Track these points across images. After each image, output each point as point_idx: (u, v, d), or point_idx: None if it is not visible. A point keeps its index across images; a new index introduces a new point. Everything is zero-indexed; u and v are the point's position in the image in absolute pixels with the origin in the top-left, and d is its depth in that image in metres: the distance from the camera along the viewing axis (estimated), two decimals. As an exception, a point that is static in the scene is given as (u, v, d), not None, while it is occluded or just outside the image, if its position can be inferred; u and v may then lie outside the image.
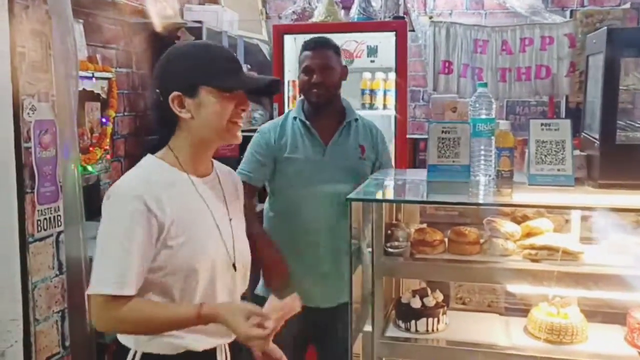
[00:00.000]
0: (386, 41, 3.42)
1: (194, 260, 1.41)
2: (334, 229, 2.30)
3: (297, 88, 3.53)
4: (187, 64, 1.44)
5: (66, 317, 2.25)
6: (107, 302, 1.35)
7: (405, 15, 3.61)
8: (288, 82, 3.35)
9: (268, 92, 1.53)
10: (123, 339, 1.46)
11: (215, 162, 1.60)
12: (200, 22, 3.31)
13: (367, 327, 1.97)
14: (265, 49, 4.05)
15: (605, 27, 1.88)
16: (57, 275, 2.22)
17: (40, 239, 2.13)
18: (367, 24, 3.39)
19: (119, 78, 3.04)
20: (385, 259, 1.96)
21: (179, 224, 1.40)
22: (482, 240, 1.99)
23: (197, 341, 1.43)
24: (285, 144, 2.37)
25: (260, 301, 1.43)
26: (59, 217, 2.21)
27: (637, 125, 2.00)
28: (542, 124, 1.95)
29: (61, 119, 2.23)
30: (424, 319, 1.99)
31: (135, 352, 1.44)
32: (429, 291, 2.07)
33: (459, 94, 3.74)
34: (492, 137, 2.01)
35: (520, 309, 2.17)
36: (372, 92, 3.40)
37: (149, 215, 1.36)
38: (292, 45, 3.36)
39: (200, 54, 1.46)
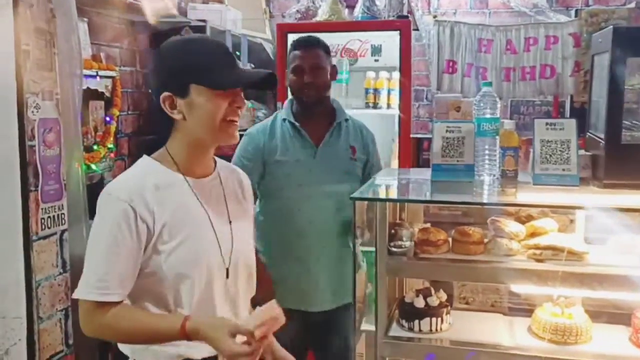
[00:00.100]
0: (390, 40, 3.42)
1: (187, 266, 1.36)
2: (327, 231, 2.28)
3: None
4: (176, 62, 1.37)
5: (70, 315, 2.25)
6: (92, 308, 1.32)
7: (409, 14, 3.60)
8: (292, 81, 3.34)
9: (264, 87, 1.45)
10: (121, 345, 1.43)
11: (220, 161, 1.55)
12: (204, 20, 3.31)
13: (371, 327, 1.97)
14: (269, 48, 4.05)
15: (611, 26, 1.88)
16: (60, 274, 2.22)
17: (44, 237, 2.13)
18: (371, 23, 3.39)
19: (123, 77, 3.04)
20: (389, 259, 1.95)
21: (172, 227, 1.35)
22: (486, 240, 1.98)
23: (193, 348, 1.36)
24: (275, 147, 2.32)
25: None
26: (63, 216, 2.21)
27: (642, 125, 1.99)
28: (547, 124, 1.95)
29: (65, 117, 2.24)
30: (428, 319, 1.98)
31: None
32: (433, 291, 2.07)
33: (462, 94, 3.74)
34: (497, 137, 2.00)
35: (524, 309, 2.16)
36: (376, 92, 3.39)
37: (137, 220, 1.32)
38: (296, 44, 3.36)
39: (190, 50, 1.39)
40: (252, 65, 3.61)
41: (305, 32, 3.17)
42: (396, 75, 3.32)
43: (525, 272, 1.84)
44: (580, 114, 3.03)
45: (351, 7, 3.57)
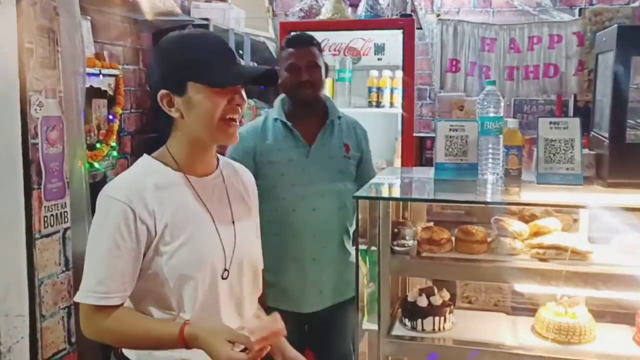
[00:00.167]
0: (393, 39, 3.41)
1: (189, 267, 1.33)
2: (322, 231, 2.26)
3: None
4: (173, 59, 1.34)
5: (72, 313, 2.25)
6: (92, 312, 1.31)
7: (412, 13, 3.60)
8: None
9: (264, 83, 1.41)
10: (126, 351, 1.41)
11: (223, 159, 1.53)
12: (207, 19, 3.31)
13: (373, 326, 1.97)
14: (272, 47, 4.04)
15: (616, 25, 1.87)
16: (63, 272, 2.22)
17: (47, 235, 2.13)
18: (375, 22, 3.38)
19: (126, 75, 3.04)
20: (392, 258, 1.95)
21: (174, 228, 1.33)
22: (489, 239, 1.98)
23: (196, 353, 1.30)
24: (267, 147, 2.27)
25: None
26: (65, 214, 2.21)
27: (647, 124, 1.98)
28: (550, 123, 1.94)
29: (68, 115, 2.24)
30: (431, 318, 1.98)
31: None
32: (436, 290, 2.06)
33: (466, 93, 3.73)
34: (500, 136, 2.00)
35: (527, 308, 2.16)
36: (379, 90, 3.39)
37: (137, 221, 1.30)
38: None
39: (187, 47, 1.35)
40: (255, 64, 3.61)
41: (308, 31, 3.17)
42: (399, 74, 3.31)
43: (528, 271, 1.83)
44: (584, 113, 3.03)
45: (354, 6, 3.57)
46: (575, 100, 3.70)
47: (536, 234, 1.97)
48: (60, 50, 2.18)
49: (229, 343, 1.23)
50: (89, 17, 2.66)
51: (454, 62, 3.75)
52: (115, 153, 2.87)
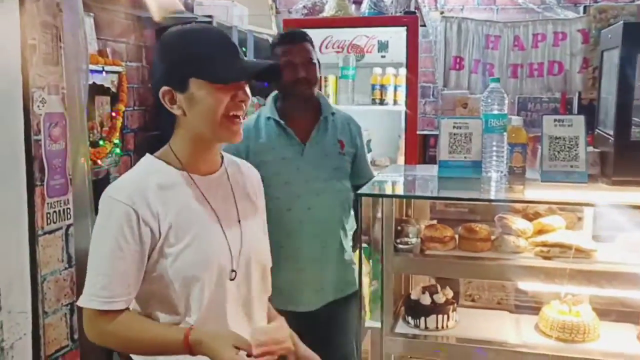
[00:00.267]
0: (397, 36, 3.41)
1: (195, 269, 1.30)
2: (318, 230, 2.22)
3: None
4: (174, 55, 1.31)
5: (75, 310, 2.25)
6: (96, 316, 1.28)
7: (416, 10, 3.59)
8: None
9: (268, 78, 1.37)
10: (134, 356, 1.38)
11: (227, 157, 1.49)
12: (210, 16, 3.31)
13: (376, 324, 1.96)
14: (275, 44, 4.03)
15: (622, 22, 1.86)
16: (66, 268, 2.22)
17: (50, 232, 2.13)
18: (378, 19, 3.38)
19: (129, 72, 3.04)
20: (395, 255, 1.94)
21: (178, 229, 1.30)
22: (493, 237, 1.97)
23: (200, 359, 1.27)
24: (260, 147, 2.22)
25: None
26: (68, 210, 2.21)
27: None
28: (555, 120, 1.93)
29: (71, 112, 2.23)
30: (434, 316, 1.97)
31: None
32: (439, 288, 2.06)
33: (469, 90, 3.72)
34: (504, 133, 1.99)
35: (530, 306, 2.15)
36: (383, 88, 3.39)
37: (140, 224, 1.27)
38: (303, 40, 3.35)
39: (189, 42, 1.31)
40: (258, 61, 3.60)
41: (312, 28, 3.16)
42: (403, 71, 3.31)
43: (532, 269, 1.83)
44: (589, 110, 3.02)
45: (358, 3, 3.57)
46: (580, 98, 3.69)
47: (540, 231, 1.96)
48: (63, 46, 2.17)
49: (234, 348, 1.21)
50: (92, 14, 2.66)
51: (458, 60, 3.74)
52: (118, 150, 2.87)
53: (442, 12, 3.84)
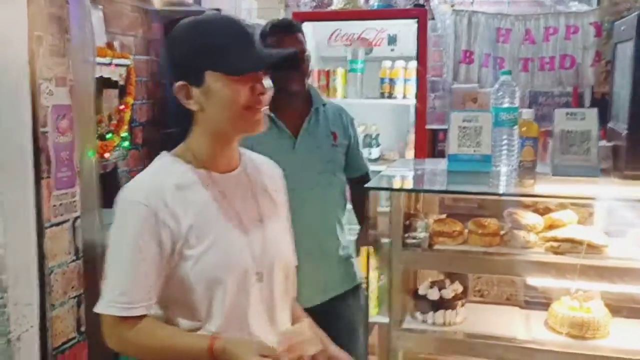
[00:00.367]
0: (406, 29, 3.38)
1: (216, 271, 1.25)
2: (312, 225, 2.14)
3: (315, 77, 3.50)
4: (187, 48, 1.25)
5: (82, 302, 2.25)
6: (115, 323, 1.24)
7: (425, 3, 3.56)
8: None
9: (287, 67, 1.31)
10: None
11: (246, 153, 1.43)
12: (218, 9, 3.29)
13: (384, 319, 1.95)
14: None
15: (636, 13, 1.82)
16: (73, 261, 2.22)
17: (57, 224, 2.13)
18: (388, 11, 3.36)
19: (138, 65, 3.03)
20: (404, 250, 1.92)
21: (198, 230, 1.25)
22: (502, 232, 1.95)
23: None
24: (251, 142, 2.20)
25: None
26: (75, 203, 2.21)
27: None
28: (567, 113, 1.90)
29: (79, 104, 2.23)
30: (442, 311, 1.95)
31: None
32: (448, 283, 2.04)
33: (479, 84, 3.68)
34: (515, 127, 1.96)
35: (540, 302, 2.13)
36: (392, 81, 3.37)
37: (159, 225, 1.22)
38: (312, 33, 3.33)
39: (201, 33, 1.26)
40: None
41: (321, 21, 3.14)
42: (412, 65, 3.28)
43: (542, 264, 1.80)
44: (601, 104, 2.97)
45: (367, -4, 3.54)
46: (592, 92, 3.65)
47: (551, 226, 1.94)
48: (70, 38, 2.17)
49: (260, 357, 1.17)
50: (100, 7, 2.65)
51: (468, 54, 3.70)
52: (126, 144, 2.86)
53: (452, 5, 3.80)
